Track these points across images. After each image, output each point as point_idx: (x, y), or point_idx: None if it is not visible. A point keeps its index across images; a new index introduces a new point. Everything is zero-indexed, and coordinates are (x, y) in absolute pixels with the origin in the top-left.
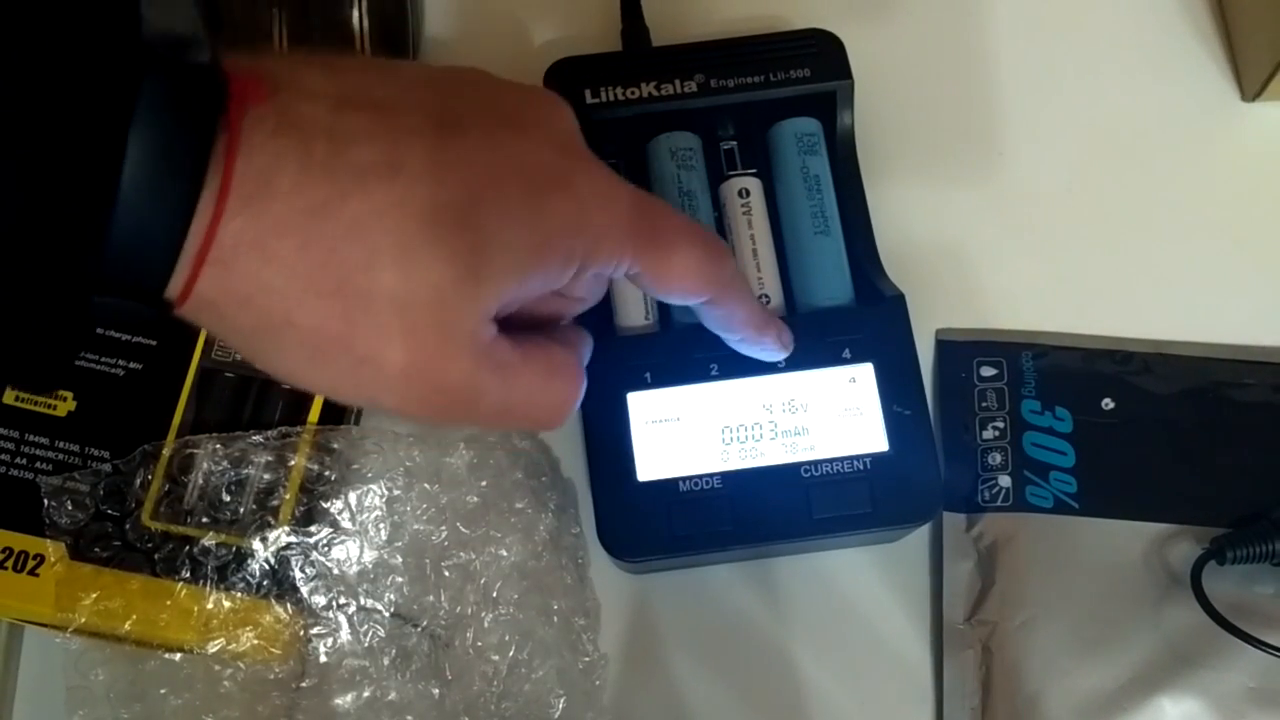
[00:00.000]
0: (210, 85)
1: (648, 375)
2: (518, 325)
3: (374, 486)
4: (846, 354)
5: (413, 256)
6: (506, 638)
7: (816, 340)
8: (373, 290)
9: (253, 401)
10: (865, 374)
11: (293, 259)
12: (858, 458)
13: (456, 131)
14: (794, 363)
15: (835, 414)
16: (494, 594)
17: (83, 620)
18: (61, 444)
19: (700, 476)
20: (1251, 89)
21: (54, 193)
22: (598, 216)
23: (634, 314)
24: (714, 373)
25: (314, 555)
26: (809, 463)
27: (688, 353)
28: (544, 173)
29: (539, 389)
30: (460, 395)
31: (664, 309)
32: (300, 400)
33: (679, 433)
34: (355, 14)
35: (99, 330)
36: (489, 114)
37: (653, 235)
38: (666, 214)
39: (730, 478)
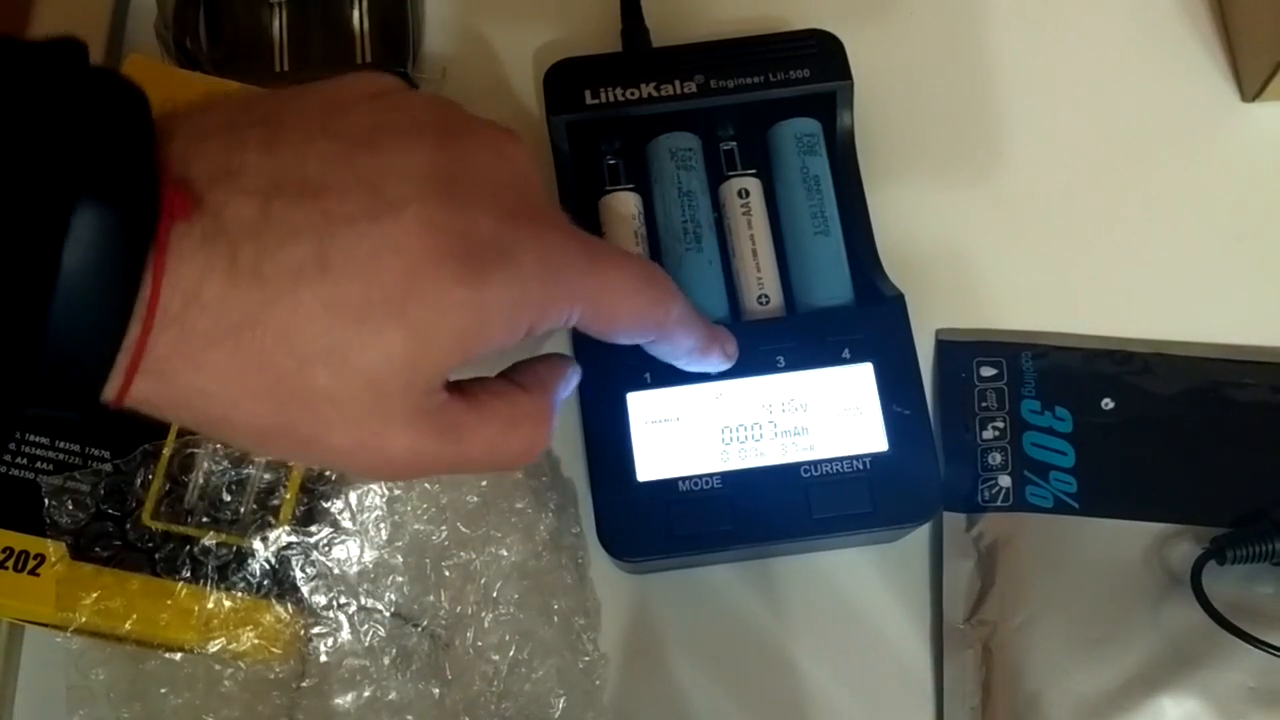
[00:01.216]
0: (147, 201)
1: (647, 375)
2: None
3: (374, 486)
4: (846, 354)
5: (345, 357)
6: (507, 637)
7: (816, 340)
8: (307, 390)
9: None
10: (865, 374)
11: (224, 367)
12: (857, 458)
13: (391, 210)
14: (794, 362)
15: (835, 414)
16: (494, 594)
17: (83, 620)
18: (62, 443)
19: (700, 476)
20: (1251, 89)
21: None
22: (543, 288)
23: None
24: (713, 373)
25: (314, 555)
26: (808, 463)
27: None
28: (484, 248)
29: (498, 440)
30: (410, 462)
31: None
32: None
33: (679, 433)
34: (355, 15)
35: None
36: (429, 179)
37: (600, 291)
38: (614, 265)
39: (730, 478)
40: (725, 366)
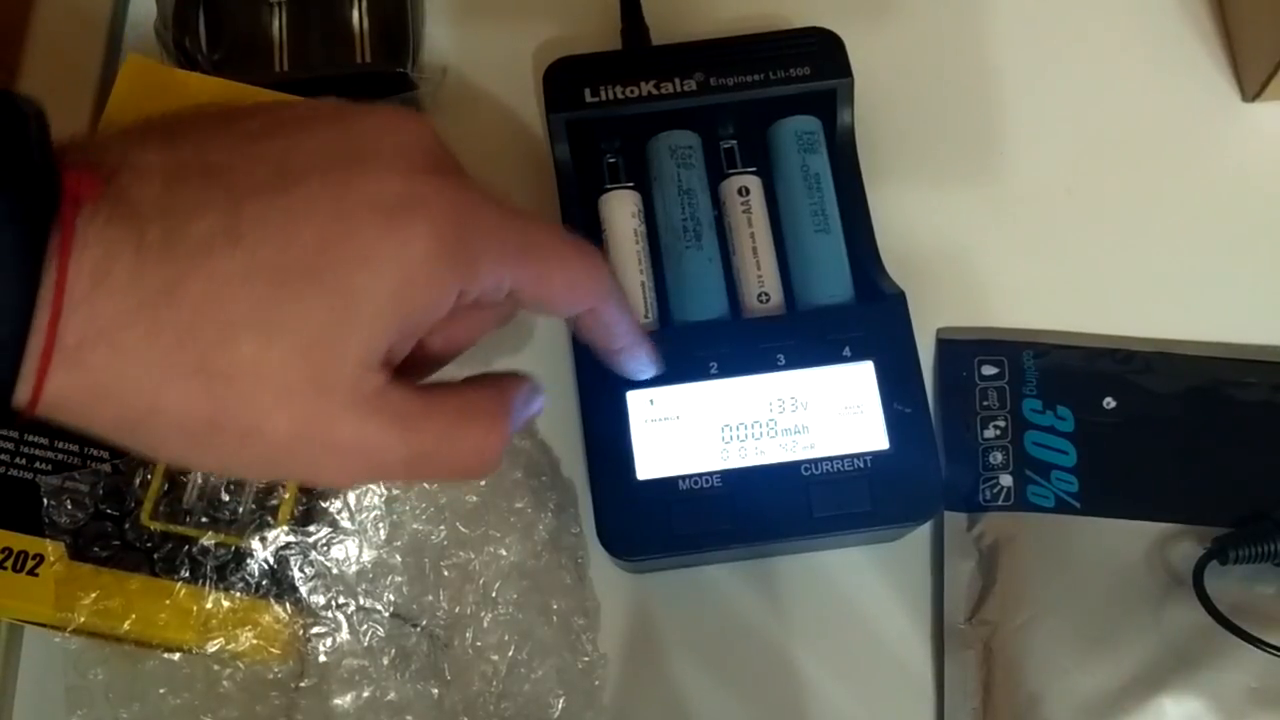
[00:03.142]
0: (42, 188)
1: None
2: (425, 363)
3: (373, 486)
4: (847, 352)
5: (268, 323)
6: (506, 637)
7: (817, 338)
8: (234, 364)
9: None
10: (865, 372)
11: (144, 347)
12: (858, 456)
13: (297, 180)
14: (794, 361)
15: (835, 412)
16: (493, 594)
17: (82, 620)
18: (61, 444)
19: (700, 475)
20: (1251, 89)
21: None
22: (464, 241)
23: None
24: (713, 371)
25: (313, 555)
26: (809, 461)
27: (687, 351)
28: (397, 203)
29: (452, 436)
30: (358, 453)
31: (662, 307)
32: None
33: (678, 431)
34: (355, 15)
35: None
36: (331, 152)
37: (529, 251)
38: (539, 227)
39: (730, 476)
40: (656, 371)
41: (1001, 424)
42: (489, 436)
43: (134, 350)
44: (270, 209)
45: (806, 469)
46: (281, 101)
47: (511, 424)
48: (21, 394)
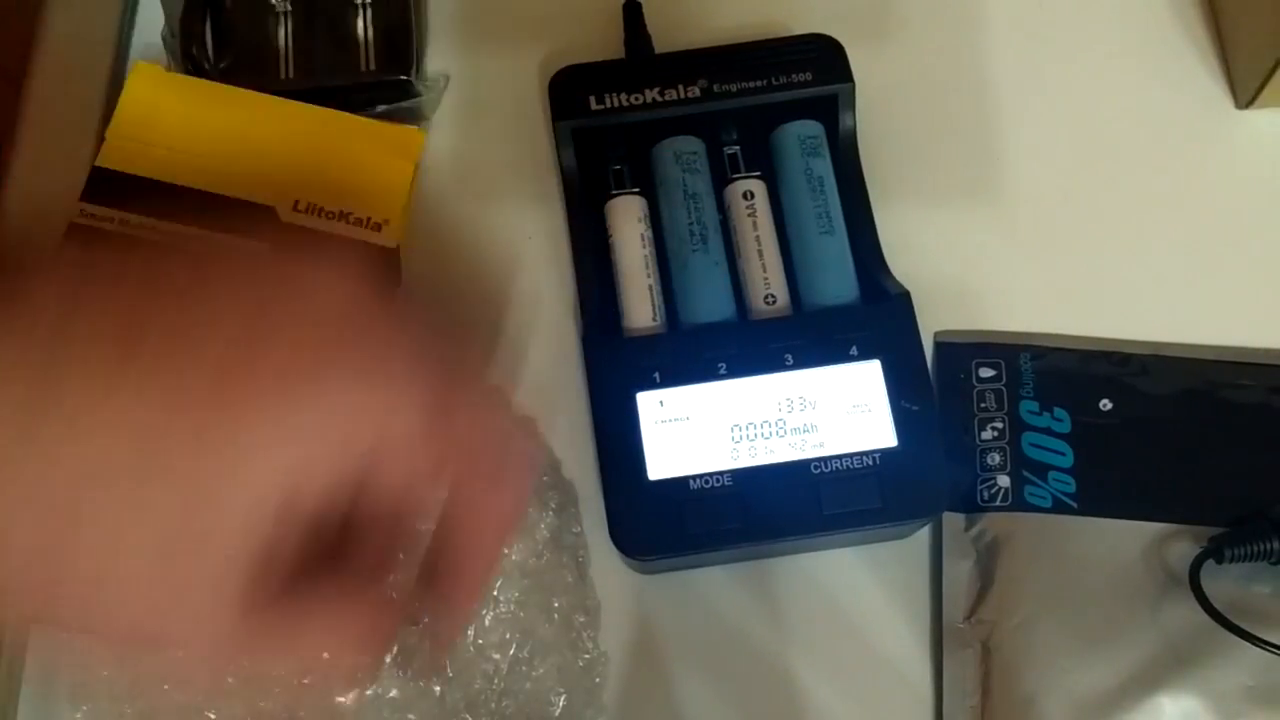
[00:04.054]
0: None
1: (656, 375)
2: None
3: None
4: (854, 351)
5: (130, 501)
6: (507, 636)
7: (824, 338)
8: (84, 542)
9: None
10: (873, 371)
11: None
12: (867, 454)
13: (195, 346)
14: (802, 361)
15: (844, 411)
16: (495, 592)
17: None
18: None
19: (710, 475)
20: (1245, 96)
21: None
22: (362, 431)
23: (641, 314)
24: (722, 371)
25: None
26: (818, 459)
27: (696, 352)
28: (291, 386)
29: (317, 650)
30: (211, 648)
31: (671, 309)
32: None
33: (689, 431)
34: (360, 23)
35: None
36: (239, 318)
37: (449, 442)
38: (480, 415)
39: (740, 476)
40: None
41: (999, 425)
42: (358, 657)
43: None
44: (154, 375)
45: (816, 467)
46: (211, 254)
47: (385, 649)
48: None
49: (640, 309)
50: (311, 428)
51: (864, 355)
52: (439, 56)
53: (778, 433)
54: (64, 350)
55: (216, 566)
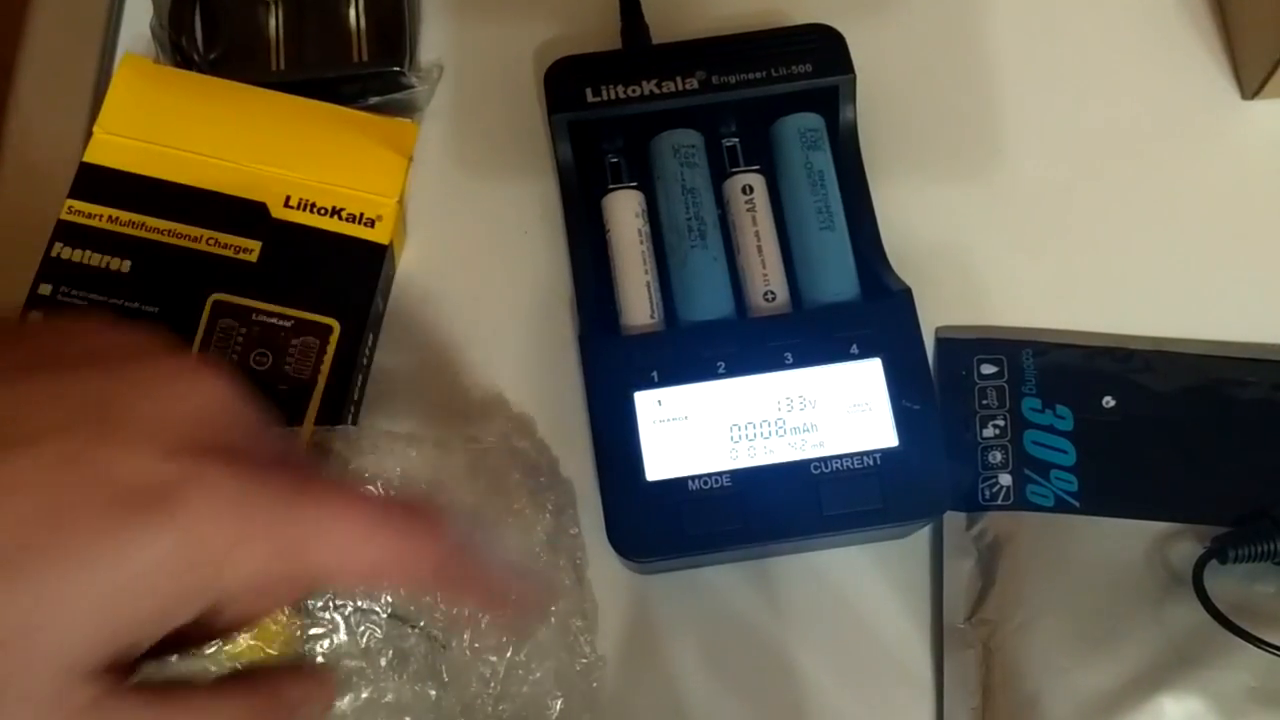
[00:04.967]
0: None
1: (655, 374)
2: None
3: (371, 487)
4: (854, 349)
5: None
6: (504, 639)
7: (824, 336)
8: None
9: None
10: (874, 369)
11: None
12: (867, 454)
13: (30, 439)
14: (802, 359)
15: (844, 410)
16: None
17: None
18: None
19: (709, 475)
20: (1251, 87)
21: None
22: (211, 545)
23: (639, 312)
24: (721, 370)
25: None
26: (818, 459)
27: (695, 351)
28: (134, 492)
29: None
30: None
31: (668, 307)
32: (297, 401)
33: (687, 431)
34: (352, 13)
35: None
36: (82, 410)
37: (312, 534)
38: (333, 501)
39: (739, 476)
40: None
41: (1001, 423)
42: None
43: None
44: None
45: (816, 467)
46: (65, 329)
47: None
48: None
49: (638, 306)
50: (154, 550)
51: (864, 353)
52: (433, 47)
53: (777, 432)
54: None
55: (52, 683)
